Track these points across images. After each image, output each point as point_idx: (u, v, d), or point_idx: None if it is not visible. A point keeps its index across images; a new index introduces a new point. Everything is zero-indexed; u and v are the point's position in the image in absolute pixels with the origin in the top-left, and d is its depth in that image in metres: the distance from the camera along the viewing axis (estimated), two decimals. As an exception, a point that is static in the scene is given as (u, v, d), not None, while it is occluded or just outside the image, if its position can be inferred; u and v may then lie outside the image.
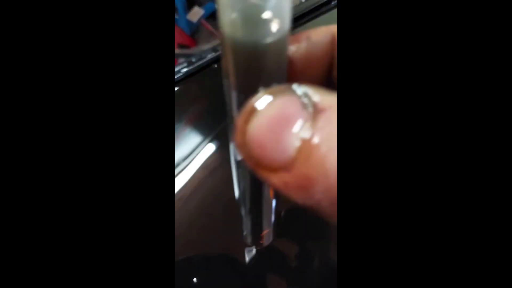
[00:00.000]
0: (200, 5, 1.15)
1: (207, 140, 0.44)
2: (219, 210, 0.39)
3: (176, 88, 0.48)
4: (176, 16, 1.18)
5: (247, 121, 0.11)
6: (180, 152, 0.43)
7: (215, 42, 1.23)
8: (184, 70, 0.48)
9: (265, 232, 0.22)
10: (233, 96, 0.13)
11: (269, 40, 0.11)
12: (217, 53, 0.49)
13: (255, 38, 0.11)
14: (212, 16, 1.23)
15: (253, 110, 0.11)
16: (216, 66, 0.49)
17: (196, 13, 1.13)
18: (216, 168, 0.42)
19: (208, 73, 0.48)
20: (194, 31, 1.25)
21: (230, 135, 0.15)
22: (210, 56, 0.48)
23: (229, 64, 0.12)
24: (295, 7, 0.55)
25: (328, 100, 0.11)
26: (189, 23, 1.18)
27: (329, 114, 0.10)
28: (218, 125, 0.45)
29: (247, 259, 0.36)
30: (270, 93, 0.11)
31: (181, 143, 0.44)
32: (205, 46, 1.20)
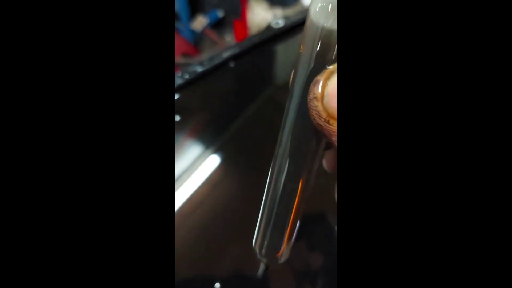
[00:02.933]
0: (204, 13, 1.16)
1: (211, 150, 0.43)
2: (222, 224, 0.38)
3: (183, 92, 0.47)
4: (179, 26, 1.18)
5: (327, 78, 0.13)
6: (183, 161, 0.42)
7: (219, 51, 1.23)
8: (199, 70, 0.47)
9: (284, 247, 0.21)
10: (304, 72, 0.15)
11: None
12: (235, 52, 0.48)
13: (332, 26, 0.14)
14: (216, 25, 1.23)
15: (333, 71, 0.14)
16: (232, 65, 0.48)
17: (200, 22, 1.14)
18: (220, 181, 0.41)
19: (222, 73, 0.48)
20: (198, 40, 1.26)
21: (290, 109, 0.16)
22: (227, 54, 0.47)
23: (308, 45, 0.15)
24: (299, 14, 0.55)
25: None
26: (193, 32, 1.18)
27: None
28: (223, 132, 0.44)
29: (258, 275, 0.34)
30: None
31: (183, 152, 0.43)
32: (209, 55, 1.21)
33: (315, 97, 0.14)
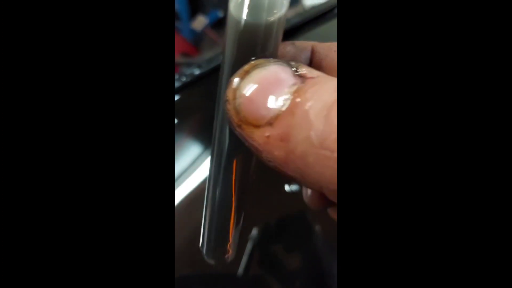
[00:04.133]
0: (204, 13, 1.16)
1: (209, 149, 0.43)
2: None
3: (183, 94, 0.47)
4: (179, 25, 1.18)
5: (241, 78, 0.12)
6: (182, 161, 0.42)
7: (219, 51, 1.24)
8: (197, 72, 0.47)
9: (229, 245, 0.20)
10: (227, 71, 0.14)
11: (267, 21, 0.13)
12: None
13: (256, 19, 0.13)
14: (216, 25, 1.23)
15: (249, 70, 0.12)
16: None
17: (200, 22, 1.14)
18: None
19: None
20: (198, 40, 1.26)
21: (218, 107, 0.16)
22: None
23: (229, 41, 0.14)
24: (299, 15, 0.55)
25: (314, 73, 0.12)
26: (193, 31, 1.18)
27: (314, 80, 0.12)
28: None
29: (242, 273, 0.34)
30: (266, 60, 0.12)
31: (182, 152, 0.43)
32: (209, 55, 1.21)
33: (227, 100, 0.12)
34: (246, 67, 0.12)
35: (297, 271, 0.36)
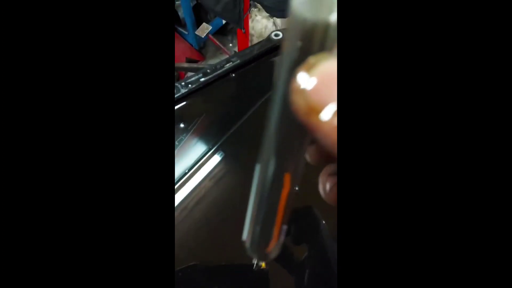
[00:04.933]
0: (208, 21, 1.19)
1: (213, 150, 0.46)
2: (224, 219, 0.41)
3: (189, 99, 0.50)
4: (185, 32, 1.22)
5: (307, 70, 0.13)
6: (186, 161, 0.45)
7: (221, 57, 1.27)
8: (202, 79, 0.50)
9: (273, 244, 0.21)
10: (286, 65, 0.15)
11: (327, 19, 0.13)
12: (235, 63, 0.51)
13: (318, 17, 0.13)
14: (219, 32, 1.26)
15: (314, 63, 0.13)
16: (233, 75, 0.51)
17: (204, 29, 1.17)
18: (221, 178, 0.44)
19: (224, 83, 0.51)
20: (202, 46, 1.29)
21: (272, 108, 0.16)
22: (228, 66, 0.50)
23: (290, 37, 0.14)
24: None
25: None
26: (198, 38, 1.22)
27: None
28: (225, 134, 0.47)
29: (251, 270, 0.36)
30: (328, 54, 0.13)
31: (188, 152, 0.46)
32: (213, 60, 1.24)
33: (295, 90, 0.13)
34: (311, 60, 0.13)
35: (304, 261, 0.38)
